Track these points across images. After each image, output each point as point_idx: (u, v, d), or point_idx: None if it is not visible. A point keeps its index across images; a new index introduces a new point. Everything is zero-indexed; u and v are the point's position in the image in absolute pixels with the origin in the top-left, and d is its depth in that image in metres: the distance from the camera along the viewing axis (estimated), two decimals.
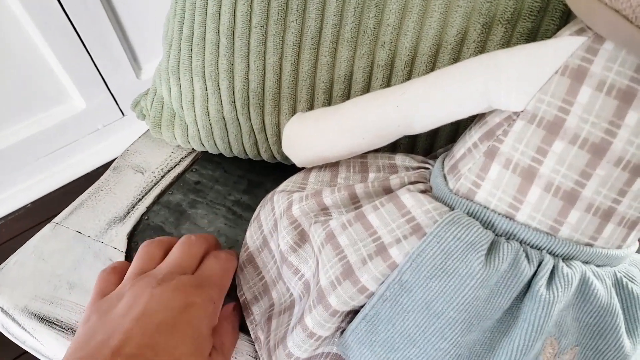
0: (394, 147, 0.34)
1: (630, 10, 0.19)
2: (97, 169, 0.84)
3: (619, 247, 0.23)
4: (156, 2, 0.70)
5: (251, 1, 0.30)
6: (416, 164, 0.28)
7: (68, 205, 0.38)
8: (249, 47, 0.32)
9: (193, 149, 0.41)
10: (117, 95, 0.77)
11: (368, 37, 0.29)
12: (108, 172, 0.40)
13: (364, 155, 0.31)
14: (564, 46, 0.22)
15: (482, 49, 0.27)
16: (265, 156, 0.38)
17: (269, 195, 0.32)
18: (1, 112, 0.69)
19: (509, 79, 0.22)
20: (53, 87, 0.71)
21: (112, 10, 0.67)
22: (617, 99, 0.21)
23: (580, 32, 0.22)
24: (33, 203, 0.82)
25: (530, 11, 0.26)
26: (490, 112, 0.24)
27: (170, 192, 0.39)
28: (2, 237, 0.81)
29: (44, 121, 0.74)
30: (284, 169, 0.39)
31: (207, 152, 0.40)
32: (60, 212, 0.37)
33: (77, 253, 0.35)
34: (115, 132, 0.83)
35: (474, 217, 0.23)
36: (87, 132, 0.79)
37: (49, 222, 0.37)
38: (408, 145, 0.33)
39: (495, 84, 0.23)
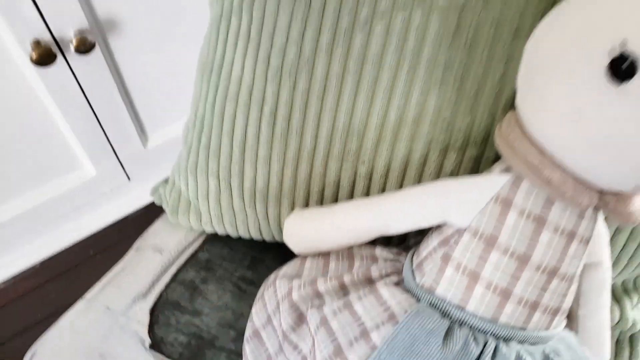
0: None
1: (537, 161, 0.27)
2: (104, 229, 0.90)
3: (547, 328, 0.30)
4: (162, 83, 0.78)
5: (259, 124, 0.38)
6: (391, 256, 0.36)
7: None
8: (257, 157, 0.39)
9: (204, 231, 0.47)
10: (125, 162, 0.84)
11: (352, 156, 0.36)
12: (131, 252, 0.46)
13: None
14: (496, 181, 0.29)
15: (440, 168, 0.35)
16: (267, 238, 0.45)
17: (272, 277, 0.38)
18: (16, 179, 0.75)
19: (457, 203, 0.30)
20: (67, 156, 0.77)
21: (125, 89, 0.75)
22: (534, 223, 0.28)
23: (508, 169, 0.29)
24: (41, 263, 0.87)
25: (476, 142, 0.34)
26: (446, 224, 0.31)
27: (185, 270, 0.45)
28: (10, 296, 0.86)
29: (56, 188, 0.80)
30: (281, 247, 0.45)
31: (216, 233, 0.47)
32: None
33: (106, 327, 0.41)
34: (121, 195, 0.89)
35: (434, 307, 0.30)
36: (96, 197, 0.86)
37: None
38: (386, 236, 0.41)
39: (447, 206, 0.30)
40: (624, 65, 0.22)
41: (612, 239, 0.36)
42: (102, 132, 0.77)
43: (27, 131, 0.70)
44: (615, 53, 0.22)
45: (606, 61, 0.23)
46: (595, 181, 0.26)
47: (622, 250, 0.36)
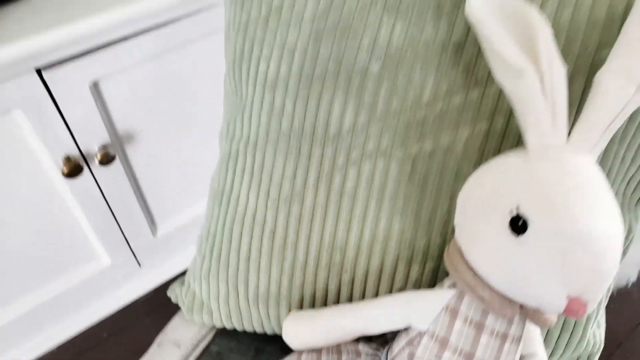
0: None
1: (473, 281, 0.36)
2: (116, 312, 0.97)
3: None
4: (171, 180, 0.88)
5: (261, 241, 0.47)
6: (371, 351, 0.44)
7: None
8: (259, 267, 0.48)
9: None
10: (136, 251, 0.92)
11: (336, 267, 0.45)
12: (154, 347, 0.54)
13: None
14: (446, 294, 0.38)
15: (407, 277, 0.44)
16: (268, 332, 0.53)
17: None
18: (39, 271, 0.83)
19: (417, 311, 0.39)
20: (85, 248, 0.86)
21: (139, 189, 0.84)
22: (475, 328, 0.37)
23: (454, 285, 0.38)
24: (58, 347, 0.94)
25: (433, 257, 0.43)
26: (411, 327, 0.40)
27: None
28: None
29: (74, 277, 0.88)
30: (281, 338, 0.53)
31: (225, 327, 0.55)
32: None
33: None
34: (132, 280, 0.97)
35: None
36: (109, 283, 0.93)
37: None
38: None
39: (410, 313, 0.39)
40: (520, 223, 0.32)
41: (549, 331, 0.44)
42: (118, 227, 0.86)
43: (52, 229, 0.79)
44: (513, 214, 0.32)
45: (508, 219, 0.32)
46: (514, 299, 0.35)
47: (557, 341, 0.45)
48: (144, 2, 0.60)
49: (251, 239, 0.48)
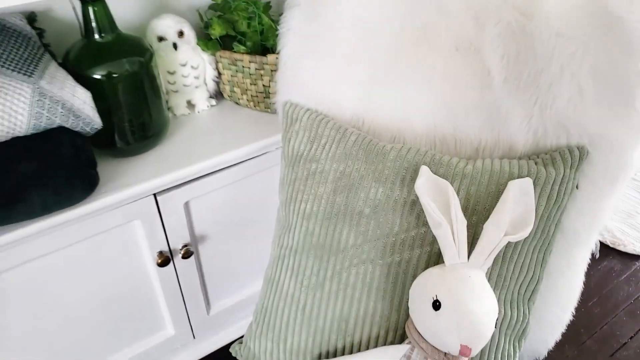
0: None
1: (417, 338, 0.63)
2: None
3: None
4: (228, 268, 1.17)
5: (296, 314, 0.75)
6: None
7: None
8: (294, 332, 0.75)
9: None
10: (193, 325, 1.20)
11: (342, 332, 0.73)
12: None
13: None
14: (404, 347, 0.65)
15: (385, 338, 0.71)
16: None
17: None
18: (117, 337, 1.11)
19: (388, 357, 0.65)
20: (157, 320, 1.13)
21: (202, 274, 1.13)
22: None
23: (409, 342, 0.65)
24: None
25: (400, 326, 0.70)
26: None
27: None
28: None
29: (144, 344, 1.15)
30: None
31: None
32: None
33: None
34: (188, 349, 1.23)
35: None
36: (168, 351, 1.20)
37: None
38: None
39: (384, 359, 0.66)
40: (437, 304, 0.59)
41: None
42: (184, 305, 1.14)
43: (137, 303, 1.07)
44: (434, 299, 0.60)
45: (431, 302, 0.60)
46: (438, 347, 0.62)
47: None
48: (225, 154, 0.93)
49: (289, 312, 0.76)
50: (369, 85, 0.76)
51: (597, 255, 1.66)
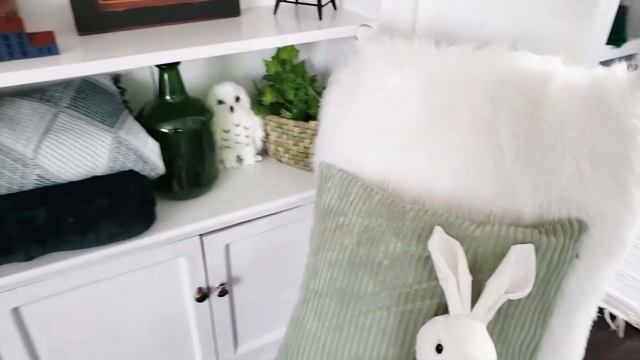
0: None
1: None
2: None
3: None
4: (256, 311, 1.26)
5: (316, 352, 0.83)
6: None
7: None
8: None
9: None
10: None
11: None
12: None
13: None
14: None
15: None
16: None
17: None
18: None
19: None
20: (188, 352, 1.22)
21: (233, 314, 1.23)
22: None
23: None
24: None
25: None
26: None
27: None
28: None
29: None
30: None
31: None
32: None
33: None
34: None
35: None
36: None
37: None
38: None
39: None
40: (440, 348, 0.67)
41: None
42: (214, 340, 1.23)
43: (173, 334, 1.17)
44: (437, 343, 0.68)
45: (434, 346, 0.68)
46: None
47: None
48: (266, 204, 1.05)
49: (310, 350, 0.84)
50: (395, 154, 0.87)
51: (621, 335, 1.67)
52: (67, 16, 0.92)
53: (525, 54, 0.84)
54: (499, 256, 0.76)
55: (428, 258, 0.78)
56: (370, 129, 0.87)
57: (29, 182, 0.80)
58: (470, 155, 0.85)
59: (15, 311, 0.91)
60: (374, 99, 0.86)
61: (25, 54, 0.76)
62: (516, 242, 0.76)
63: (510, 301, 0.75)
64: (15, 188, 0.80)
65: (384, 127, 0.86)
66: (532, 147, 0.80)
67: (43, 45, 0.76)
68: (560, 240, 0.77)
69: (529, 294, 0.75)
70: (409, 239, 0.80)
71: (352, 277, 0.83)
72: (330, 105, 0.91)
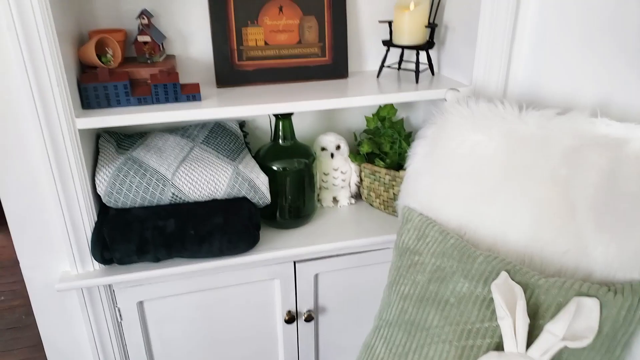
0: None
1: None
2: None
3: None
4: (340, 339, 1.36)
5: None
6: None
7: None
8: None
9: None
10: None
11: None
12: None
13: None
14: None
15: None
16: None
17: None
18: None
19: None
20: None
21: (317, 339, 1.34)
22: None
23: None
24: None
25: None
26: None
27: None
28: None
29: None
30: None
31: None
32: None
33: None
34: None
35: None
36: None
37: None
38: None
39: None
40: None
41: None
42: (297, 356, 1.34)
43: (259, 351, 1.30)
44: None
45: None
46: None
47: None
48: (355, 241, 1.17)
49: None
50: (473, 203, 0.96)
51: None
52: (210, 72, 1.16)
53: (606, 120, 0.90)
54: (562, 305, 0.80)
55: (492, 300, 0.85)
56: (450, 179, 0.97)
57: (165, 198, 1.01)
58: (544, 210, 0.91)
59: (140, 305, 1.11)
60: (455, 152, 0.96)
61: (176, 100, 0.98)
62: (580, 295, 0.80)
63: (569, 350, 0.78)
64: (154, 201, 1.01)
65: (463, 177, 0.96)
66: (607, 207, 0.85)
67: (190, 93, 0.99)
68: (628, 299, 0.79)
69: (592, 347, 0.78)
70: (476, 280, 0.87)
71: (421, 311, 0.91)
72: (416, 156, 1.02)
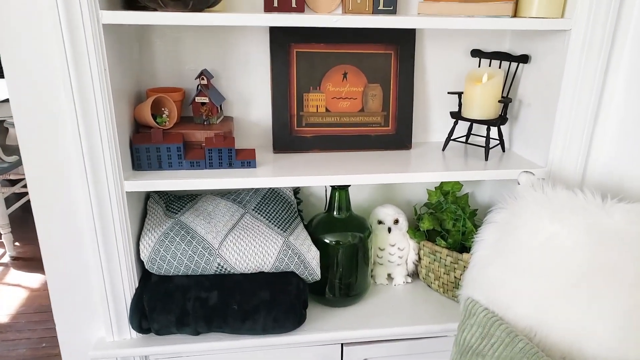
0: None
1: None
2: None
3: None
4: None
5: None
6: None
7: None
8: None
9: None
10: None
11: None
12: None
13: None
14: None
15: None
16: None
17: None
18: None
19: None
20: None
21: None
22: None
23: None
24: None
25: None
26: None
27: None
28: None
29: None
30: None
31: None
32: None
33: None
34: None
35: None
36: None
37: None
38: None
39: None
40: None
41: None
42: None
43: None
44: None
45: None
46: None
47: None
48: (409, 327, 1.07)
49: None
50: (547, 301, 0.85)
51: None
52: (268, 137, 1.12)
53: None
54: None
55: None
56: (522, 272, 0.86)
57: (210, 267, 0.96)
58: (631, 318, 0.78)
59: None
60: (530, 243, 0.86)
61: (230, 165, 0.94)
62: None
63: None
64: (199, 271, 0.96)
65: (537, 272, 0.85)
66: None
67: (245, 159, 0.95)
68: None
69: None
70: None
71: None
72: (484, 243, 0.93)
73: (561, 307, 0.84)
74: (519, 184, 0.94)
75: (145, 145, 0.91)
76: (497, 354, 0.82)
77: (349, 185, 1.07)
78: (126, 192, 0.89)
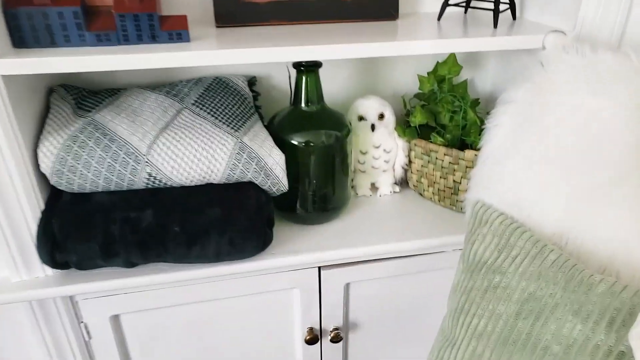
0: None
1: None
2: None
3: None
4: None
5: None
6: None
7: None
8: None
9: None
10: None
11: None
12: None
13: None
14: None
15: None
16: None
17: None
18: None
19: None
20: None
21: None
22: None
23: None
24: None
25: None
26: None
27: None
28: None
29: None
30: None
31: None
32: None
33: None
34: None
35: None
36: None
37: None
38: None
39: None
40: None
41: None
42: None
43: None
44: None
45: None
46: None
47: None
48: (398, 244, 0.87)
49: None
50: (582, 201, 0.65)
51: None
52: (208, 9, 0.85)
53: None
54: None
55: (624, 355, 0.54)
56: (552, 163, 0.65)
57: (139, 180, 0.73)
58: None
59: (115, 319, 0.85)
60: (565, 125, 0.64)
61: (154, 38, 0.68)
62: None
63: None
64: (124, 185, 0.73)
65: (572, 162, 0.64)
66: None
67: (173, 29, 0.69)
68: None
69: None
70: (595, 322, 0.56)
71: (502, 356, 0.61)
72: (498, 129, 0.71)
73: (602, 206, 0.64)
74: (544, 48, 0.71)
75: (25, 9, 0.63)
76: (522, 270, 0.63)
77: (320, 65, 0.82)
78: (2, 75, 0.63)
